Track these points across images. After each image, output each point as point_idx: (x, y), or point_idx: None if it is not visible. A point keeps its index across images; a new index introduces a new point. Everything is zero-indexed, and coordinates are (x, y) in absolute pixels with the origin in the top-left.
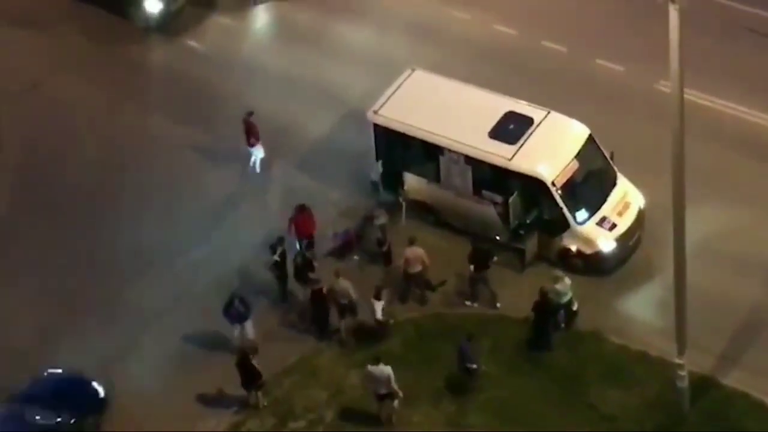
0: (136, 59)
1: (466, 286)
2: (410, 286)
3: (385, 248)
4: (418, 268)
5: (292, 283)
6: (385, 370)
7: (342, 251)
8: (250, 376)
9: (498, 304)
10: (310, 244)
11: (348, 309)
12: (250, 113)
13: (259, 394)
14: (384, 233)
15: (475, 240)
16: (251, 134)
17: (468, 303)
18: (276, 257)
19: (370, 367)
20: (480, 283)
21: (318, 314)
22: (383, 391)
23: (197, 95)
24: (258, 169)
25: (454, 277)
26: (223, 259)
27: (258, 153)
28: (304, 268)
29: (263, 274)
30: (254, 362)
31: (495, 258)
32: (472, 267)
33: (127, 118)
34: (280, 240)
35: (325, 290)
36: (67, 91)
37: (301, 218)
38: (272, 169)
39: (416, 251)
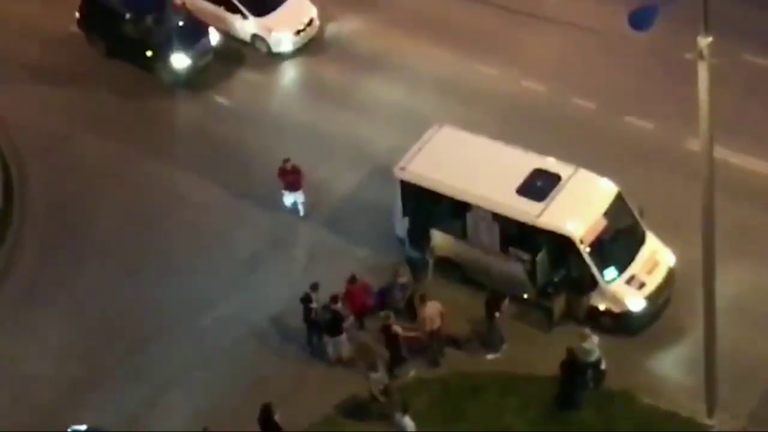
0: (164, 115)
1: (486, 338)
2: (434, 345)
3: (401, 304)
4: (438, 323)
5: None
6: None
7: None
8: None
9: (504, 346)
10: (361, 318)
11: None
12: (286, 160)
13: None
14: (405, 292)
15: (492, 289)
16: (289, 180)
17: (489, 357)
18: (313, 304)
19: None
20: (493, 329)
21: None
22: None
23: (224, 151)
24: (302, 212)
25: (478, 334)
26: (250, 315)
27: (298, 198)
28: (335, 321)
29: (289, 327)
30: (276, 418)
31: (507, 301)
32: (485, 314)
33: (155, 174)
34: (314, 286)
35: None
36: (95, 146)
37: (355, 290)
38: (300, 227)
39: (433, 306)
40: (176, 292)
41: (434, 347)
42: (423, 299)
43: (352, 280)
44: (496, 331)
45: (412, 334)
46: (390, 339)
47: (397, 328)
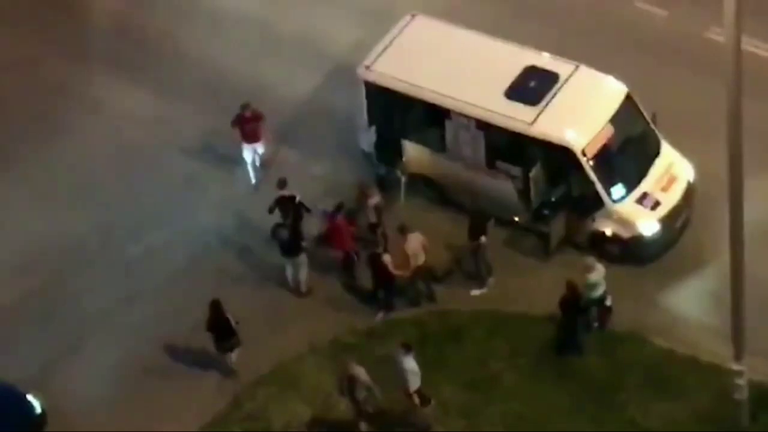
0: (75, 3)
1: (470, 269)
2: (416, 282)
3: (380, 233)
4: (422, 258)
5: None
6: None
7: (344, 263)
8: (223, 332)
9: (490, 279)
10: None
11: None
12: (245, 105)
13: (233, 355)
14: (379, 215)
15: (475, 210)
16: (248, 130)
17: (475, 292)
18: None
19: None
20: (478, 259)
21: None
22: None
23: (150, 48)
24: (258, 166)
25: (460, 265)
26: (183, 245)
27: (258, 149)
28: (295, 239)
29: (235, 262)
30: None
31: (492, 221)
32: (469, 241)
33: (64, 76)
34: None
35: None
36: None
37: (341, 223)
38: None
39: (416, 239)
40: (95, 219)
41: (418, 286)
42: (403, 230)
43: (339, 207)
44: (482, 262)
45: (403, 272)
46: (380, 271)
47: (387, 258)
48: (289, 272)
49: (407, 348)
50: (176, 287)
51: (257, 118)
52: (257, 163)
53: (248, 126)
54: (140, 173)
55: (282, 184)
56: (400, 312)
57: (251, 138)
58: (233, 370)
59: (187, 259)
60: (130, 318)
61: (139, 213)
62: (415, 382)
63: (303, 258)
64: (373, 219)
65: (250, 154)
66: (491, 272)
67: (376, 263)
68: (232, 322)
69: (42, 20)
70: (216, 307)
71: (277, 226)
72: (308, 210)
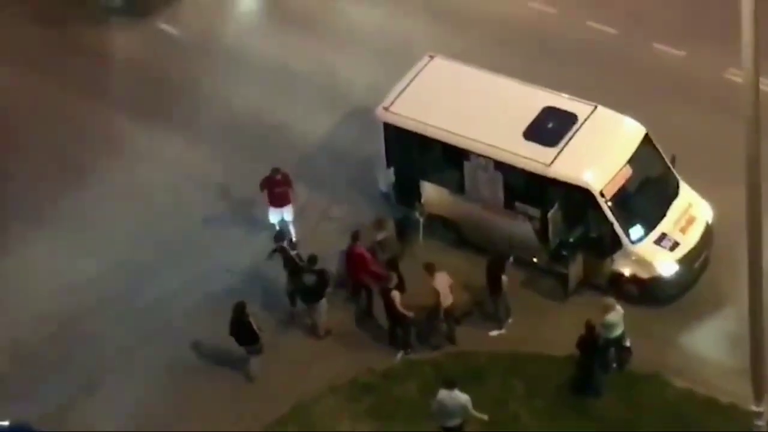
0: (96, 46)
1: (489, 310)
2: (439, 322)
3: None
4: (449, 300)
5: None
6: (461, 398)
7: (354, 292)
8: (245, 337)
9: (509, 320)
10: (366, 291)
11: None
12: (276, 170)
13: (253, 362)
14: (384, 251)
15: (494, 251)
16: (277, 193)
17: (493, 333)
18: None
19: (443, 394)
20: (497, 299)
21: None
22: (454, 423)
23: (170, 90)
24: (294, 237)
25: (479, 306)
26: (200, 285)
27: (287, 215)
28: (321, 283)
29: (253, 303)
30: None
31: (511, 260)
32: (487, 282)
33: (85, 119)
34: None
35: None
36: (13, 84)
37: (357, 252)
38: (259, 178)
39: (444, 278)
40: (114, 258)
41: (440, 327)
42: (430, 269)
43: (356, 236)
44: (501, 302)
45: (408, 313)
46: (388, 307)
47: (395, 295)
48: (308, 316)
49: (450, 384)
50: (194, 327)
51: (287, 182)
52: (288, 228)
53: (277, 190)
54: (159, 214)
55: (355, 237)
56: (419, 353)
57: (279, 202)
58: (253, 377)
59: (205, 300)
60: (148, 357)
61: (157, 253)
62: (471, 412)
63: (324, 303)
64: (379, 254)
65: (277, 217)
66: (510, 313)
67: (385, 298)
68: (255, 327)
69: (65, 64)
70: (240, 310)
71: (298, 271)
72: (301, 260)
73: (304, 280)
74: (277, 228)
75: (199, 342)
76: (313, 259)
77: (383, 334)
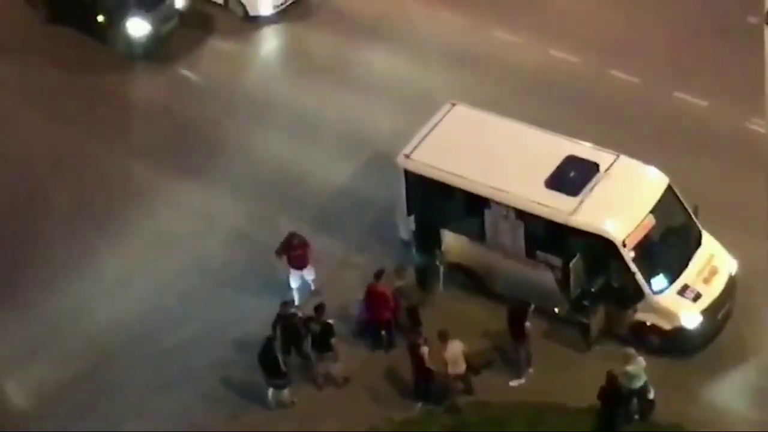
0: (118, 93)
1: (511, 357)
2: (452, 381)
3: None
4: (462, 367)
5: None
6: None
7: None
8: (271, 370)
9: (530, 369)
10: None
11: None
12: (293, 235)
13: (285, 392)
14: (403, 298)
15: (515, 299)
16: (296, 257)
17: (514, 383)
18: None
19: None
20: (519, 348)
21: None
22: None
23: (191, 137)
24: (313, 287)
25: (500, 354)
26: (219, 335)
27: (308, 275)
28: (325, 334)
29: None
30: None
31: (532, 308)
32: (509, 329)
33: (107, 166)
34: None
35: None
36: (35, 132)
37: (378, 291)
38: (282, 228)
39: (455, 347)
40: (135, 307)
41: (454, 385)
42: (444, 337)
43: (379, 274)
44: (523, 351)
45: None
46: (417, 362)
47: (425, 351)
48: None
49: None
50: (212, 377)
51: (304, 246)
52: (311, 288)
53: (295, 253)
54: (178, 262)
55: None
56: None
57: (298, 265)
58: (288, 403)
59: (223, 349)
60: (166, 406)
61: (176, 302)
62: None
63: (335, 353)
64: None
65: (298, 280)
66: (531, 362)
67: (414, 354)
68: (281, 364)
69: (86, 110)
70: (268, 344)
71: (299, 338)
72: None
73: (310, 329)
74: (294, 295)
75: (217, 389)
76: (319, 307)
77: (402, 382)
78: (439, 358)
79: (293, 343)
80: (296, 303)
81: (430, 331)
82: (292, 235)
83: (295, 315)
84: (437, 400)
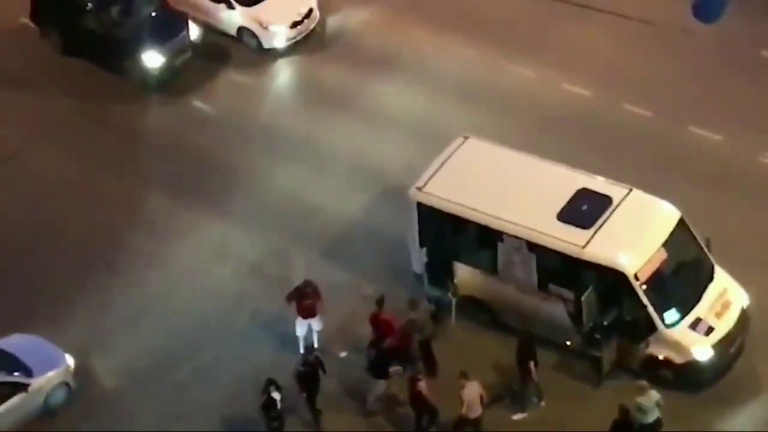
0: (133, 125)
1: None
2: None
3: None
4: (478, 411)
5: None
6: None
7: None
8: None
9: (542, 402)
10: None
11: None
12: (307, 283)
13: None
14: (413, 330)
15: (523, 332)
16: (305, 306)
17: (516, 417)
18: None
19: None
20: (526, 383)
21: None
22: None
23: (205, 168)
24: (316, 344)
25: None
26: (231, 365)
27: (315, 325)
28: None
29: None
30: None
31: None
32: (517, 364)
33: (121, 196)
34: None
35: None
36: (50, 163)
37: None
38: (295, 260)
39: (475, 388)
40: (146, 338)
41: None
42: (466, 377)
43: (381, 301)
44: (529, 385)
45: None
46: (414, 397)
47: (423, 386)
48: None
49: None
50: (224, 406)
51: (317, 295)
52: (314, 342)
53: (306, 302)
54: (190, 293)
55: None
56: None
57: (307, 314)
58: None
59: (235, 380)
60: None
61: (188, 332)
62: None
63: (383, 383)
64: (413, 335)
65: (304, 329)
66: (542, 396)
67: (411, 387)
68: (278, 404)
69: (100, 141)
70: (266, 387)
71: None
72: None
73: (298, 367)
74: (300, 343)
75: (228, 420)
76: (308, 348)
77: (407, 419)
78: (457, 397)
79: (310, 394)
80: (301, 351)
81: (443, 364)
82: (306, 284)
83: (317, 360)
84: None
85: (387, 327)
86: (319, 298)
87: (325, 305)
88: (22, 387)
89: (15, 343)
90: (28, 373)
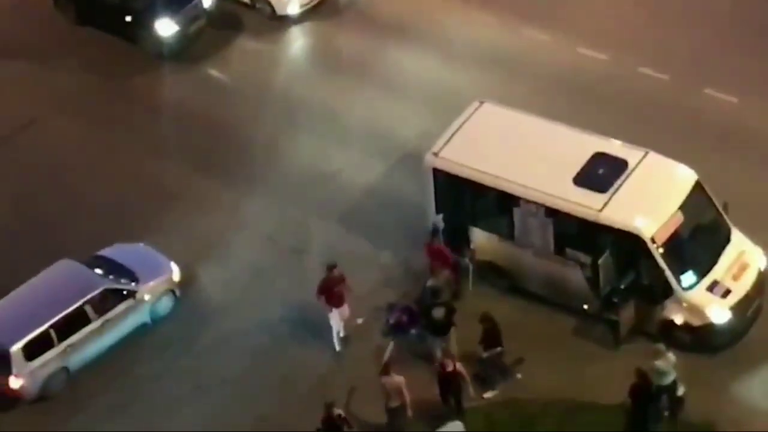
0: (147, 94)
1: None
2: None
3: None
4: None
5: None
6: None
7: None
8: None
9: (518, 375)
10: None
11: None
12: (332, 266)
13: None
14: (435, 298)
15: (484, 320)
16: (335, 294)
17: (487, 395)
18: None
19: None
20: (496, 363)
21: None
22: None
23: (220, 137)
24: (338, 346)
25: (532, 354)
26: (249, 337)
27: (343, 313)
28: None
29: (299, 354)
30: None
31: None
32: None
33: (137, 166)
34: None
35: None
36: (65, 133)
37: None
38: (312, 228)
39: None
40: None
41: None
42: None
43: (435, 232)
44: (497, 367)
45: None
46: (444, 378)
47: (460, 367)
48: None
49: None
50: (242, 377)
51: (342, 278)
52: (341, 333)
53: (336, 289)
54: (208, 264)
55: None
56: (467, 401)
57: (338, 302)
58: None
59: (253, 351)
60: (198, 408)
61: (206, 304)
62: None
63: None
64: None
65: (338, 321)
66: (513, 374)
67: (441, 370)
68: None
69: (115, 111)
70: (328, 408)
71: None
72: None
73: (432, 315)
74: (336, 342)
75: (245, 399)
76: (436, 291)
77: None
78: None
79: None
80: (337, 349)
81: (461, 330)
82: (330, 267)
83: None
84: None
85: (441, 256)
86: (344, 279)
87: (352, 289)
88: (130, 294)
89: (121, 251)
90: (135, 280)
